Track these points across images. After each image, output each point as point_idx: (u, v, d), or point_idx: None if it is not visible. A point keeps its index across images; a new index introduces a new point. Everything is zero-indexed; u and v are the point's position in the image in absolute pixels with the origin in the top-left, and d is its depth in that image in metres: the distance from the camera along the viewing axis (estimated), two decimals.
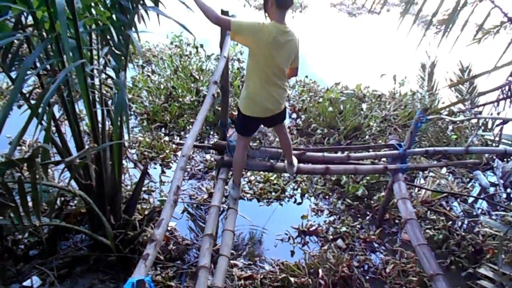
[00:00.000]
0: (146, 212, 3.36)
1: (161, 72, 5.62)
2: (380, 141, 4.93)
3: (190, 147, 1.94)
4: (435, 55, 6.28)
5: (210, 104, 2.25)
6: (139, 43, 5.68)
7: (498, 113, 4.32)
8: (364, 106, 5.60)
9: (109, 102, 2.94)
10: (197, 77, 5.33)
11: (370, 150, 3.87)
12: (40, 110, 2.04)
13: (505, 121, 2.43)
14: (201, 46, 6.14)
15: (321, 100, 5.37)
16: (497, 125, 2.56)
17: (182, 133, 4.80)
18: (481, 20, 4.06)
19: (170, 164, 4.29)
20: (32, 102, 2.41)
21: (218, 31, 2.88)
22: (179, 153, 4.45)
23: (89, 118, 2.68)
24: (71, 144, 2.70)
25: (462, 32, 3.55)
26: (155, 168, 4.24)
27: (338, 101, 5.23)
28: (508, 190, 4.33)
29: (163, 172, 4.18)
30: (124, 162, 3.90)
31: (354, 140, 5.00)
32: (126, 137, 3.64)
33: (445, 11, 4.66)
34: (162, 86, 5.21)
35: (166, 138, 4.62)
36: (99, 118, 2.81)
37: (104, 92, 2.91)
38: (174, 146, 4.45)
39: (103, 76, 2.86)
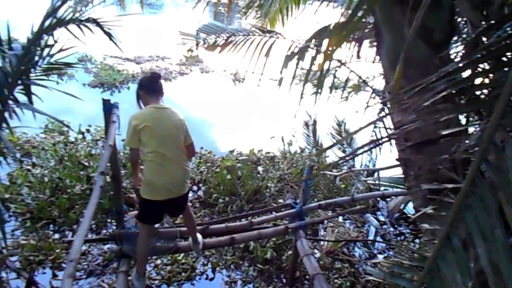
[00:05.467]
0: None
1: (43, 163, 5.18)
2: (280, 200, 5.15)
3: (79, 250, 1.79)
4: (315, 113, 7.00)
5: (98, 198, 2.14)
6: (14, 136, 5.22)
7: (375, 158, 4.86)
8: (260, 169, 5.86)
9: None
10: (86, 164, 5.03)
11: (273, 212, 4.03)
12: None
13: (374, 171, 2.79)
14: (88, 131, 5.89)
15: (218, 169, 5.48)
16: (372, 174, 2.94)
17: (75, 226, 4.38)
18: (347, 81, 4.71)
19: (63, 265, 3.83)
20: None
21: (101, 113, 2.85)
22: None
23: None
24: None
25: (332, 92, 4.08)
26: (44, 273, 3.73)
27: (235, 168, 5.40)
28: (396, 227, 4.84)
29: (54, 276, 3.70)
30: (3, 273, 3.38)
31: (255, 203, 5.14)
32: (3, 244, 3.19)
33: (314, 76, 5.28)
34: (46, 179, 4.76)
35: (56, 236, 4.16)
36: None
37: None
38: (65, 244, 4.01)
39: None
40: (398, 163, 2.05)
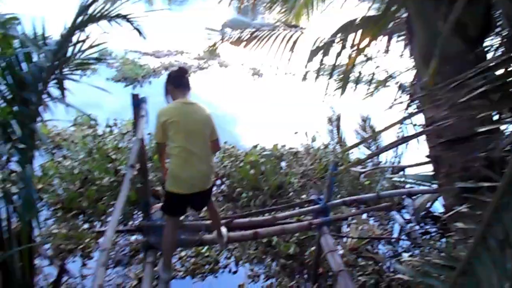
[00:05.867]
0: None
1: (73, 156, 5.34)
2: (303, 196, 5.13)
3: (110, 240, 1.84)
4: (339, 109, 6.93)
5: (128, 191, 2.20)
6: (46, 129, 5.39)
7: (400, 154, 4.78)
8: (283, 164, 5.86)
9: (15, 197, 2.70)
10: (114, 156, 5.17)
11: (297, 207, 4.03)
12: None
13: (401, 169, 2.75)
14: (115, 124, 6.04)
15: (242, 164, 5.51)
16: (395, 172, 2.91)
17: (103, 217, 4.52)
18: (373, 76, 4.65)
19: (92, 254, 3.97)
20: None
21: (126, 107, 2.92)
22: (100, 240, 4.14)
23: None
24: None
25: (358, 87, 4.03)
26: (74, 261, 3.87)
27: (258, 163, 5.41)
28: (421, 225, 4.74)
29: (84, 264, 3.83)
30: (37, 260, 3.52)
31: (279, 198, 5.14)
32: (37, 232, 3.33)
33: (339, 71, 5.21)
34: (76, 171, 4.92)
35: (86, 226, 4.30)
36: (3, 215, 2.56)
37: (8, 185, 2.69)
38: (94, 234, 4.14)
39: (6, 171, 2.66)
40: (427, 160, 2.01)
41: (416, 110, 2.88)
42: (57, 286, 2.85)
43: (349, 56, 2.47)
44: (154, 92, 3.00)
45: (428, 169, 4.47)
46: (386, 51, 2.94)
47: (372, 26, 1.53)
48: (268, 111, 9.13)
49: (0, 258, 2.26)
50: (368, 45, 1.51)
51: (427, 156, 1.93)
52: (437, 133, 1.74)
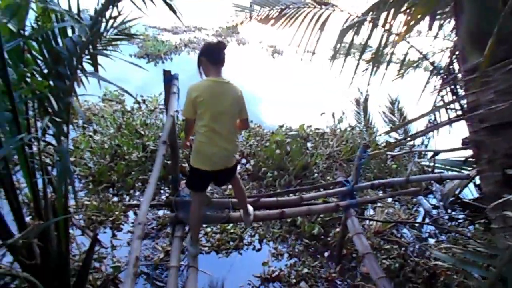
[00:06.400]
0: (99, 283, 3.14)
1: (103, 130, 5.47)
2: (328, 178, 5.11)
3: (145, 213, 1.89)
4: (367, 90, 6.78)
5: (161, 165, 2.23)
6: (78, 103, 5.51)
7: (428, 139, 4.66)
8: (309, 145, 5.82)
9: (49, 168, 2.79)
10: (142, 132, 5.26)
11: (321, 189, 4.02)
12: None
13: (436, 153, 2.68)
14: (143, 101, 6.12)
15: (267, 143, 5.51)
16: (431, 157, 2.83)
17: (132, 191, 4.64)
18: (404, 57, 4.50)
19: (121, 226, 4.10)
20: None
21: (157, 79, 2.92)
22: (129, 213, 4.27)
23: (30, 189, 2.54)
24: (9, 217, 2.49)
25: (388, 69, 3.92)
26: (105, 232, 4.01)
27: (284, 143, 5.40)
28: (449, 211, 4.65)
29: (114, 235, 3.97)
30: (70, 230, 3.66)
31: (304, 179, 5.14)
32: (71, 203, 3.45)
33: (370, 52, 5.07)
34: (106, 145, 5.05)
35: (115, 199, 4.43)
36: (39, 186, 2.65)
37: (43, 157, 2.77)
38: (123, 207, 4.26)
39: (42, 143, 2.74)
40: (462, 145, 1.95)
41: (464, 93, 2.76)
42: (90, 255, 2.95)
43: (388, 36, 2.38)
44: (176, 69, 2.97)
45: (461, 154, 4.36)
46: (430, 29, 2.80)
47: (424, 3, 1.45)
48: (290, 91, 9.02)
49: (40, 227, 2.35)
50: (417, 23, 1.44)
51: (467, 141, 1.87)
52: (480, 118, 1.67)
